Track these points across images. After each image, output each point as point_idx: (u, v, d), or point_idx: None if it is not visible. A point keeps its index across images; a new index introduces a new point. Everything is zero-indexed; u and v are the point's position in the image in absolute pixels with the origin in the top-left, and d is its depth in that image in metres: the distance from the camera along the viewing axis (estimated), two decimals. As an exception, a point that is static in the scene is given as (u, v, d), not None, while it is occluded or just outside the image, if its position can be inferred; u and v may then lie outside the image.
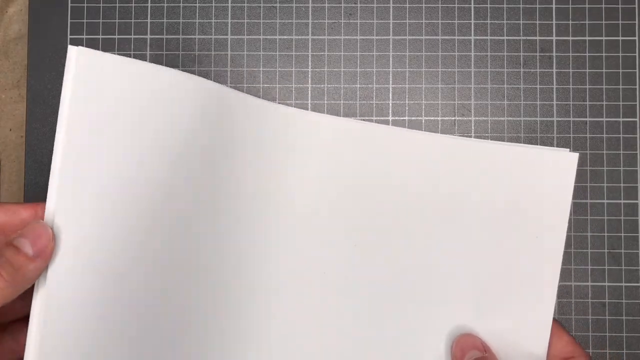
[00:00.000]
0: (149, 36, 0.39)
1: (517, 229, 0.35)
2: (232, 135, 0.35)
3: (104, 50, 0.39)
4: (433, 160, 0.36)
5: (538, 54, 0.39)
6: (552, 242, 0.35)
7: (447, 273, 0.36)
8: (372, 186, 0.36)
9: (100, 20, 0.39)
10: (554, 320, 0.35)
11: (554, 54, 0.39)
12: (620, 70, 0.39)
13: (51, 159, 0.39)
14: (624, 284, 0.38)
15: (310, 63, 0.39)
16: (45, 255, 0.29)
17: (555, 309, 0.38)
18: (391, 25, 0.39)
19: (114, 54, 0.36)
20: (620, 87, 0.39)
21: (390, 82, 0.39)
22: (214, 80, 0.37)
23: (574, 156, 0.34)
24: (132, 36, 0.39)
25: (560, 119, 0.39)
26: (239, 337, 0.35)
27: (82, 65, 0.31)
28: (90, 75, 0.31)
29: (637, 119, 0.39)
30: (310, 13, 0.39)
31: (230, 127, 0.35)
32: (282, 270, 0.36)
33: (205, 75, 0.39)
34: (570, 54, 0.39)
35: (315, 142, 0.36)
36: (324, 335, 0.36)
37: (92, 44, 0.39)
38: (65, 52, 0.39)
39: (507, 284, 0.35)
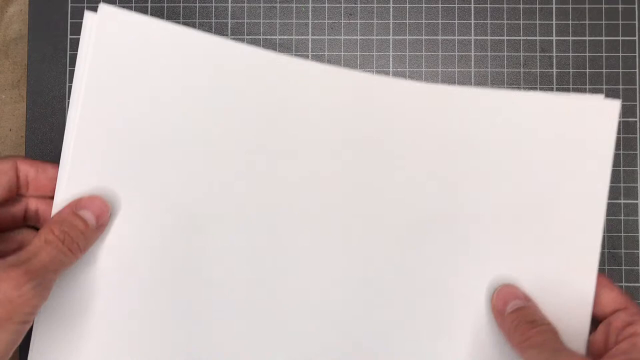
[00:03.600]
0: (149, 36, 0.39)
1: (557, 177, 0.35)
2: (246, 94, 0.36)
3: (104, 50, 0.39)
4: (462, 109, 0.36)
5: (538, 54, 0.39)
6: (595, 190, 0.35)
7: (484, 222, 0.35)
8: (403, 131, 0.36)
9: (100, 20, 0.39)
10: (601, 273, 0.35)
11: (554, 54, 0.39)
12: (620, 70, 0.39)
13: (51, 159, 0.39)
14: (624, 284, 0.38)
15: (310, 63, 0.39)
16: (104, 227, 0.34)
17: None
18: (391, 25, 0.39)
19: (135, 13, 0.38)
20: (621, 87, 0.39)
21: (390, 82, 0.39)
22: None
23: (616, 103, 0.35)
24: (132, 36, 0.39)
25: (560, 119, 0.39)
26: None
27: (104, 27, 0.35)
28: (112, 37, 0.35)
29: (637, 119, 0.39)
30: (310, 13, 0.39)
31: (243, 85, 0.36)
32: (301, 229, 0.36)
33: (205, 75, 0.39)
34: (570, 54, 0.39)
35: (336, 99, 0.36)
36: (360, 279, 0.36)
37: (92, 44, 0.39)
38: (66, 52, 0.39)
39: (548, 233, 0.35)
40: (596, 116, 0.35)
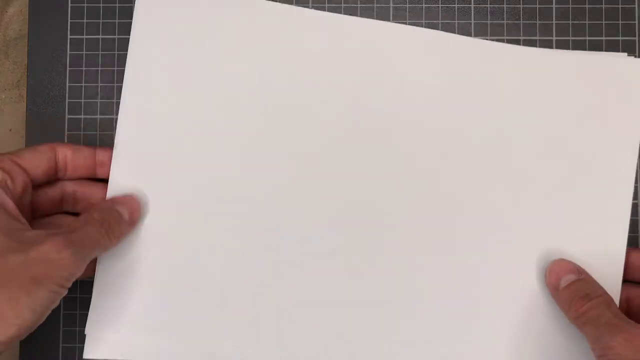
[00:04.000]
0: (149, 36, 0.39)
1: (587, 141, 0.36)
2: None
3: (104, 50, 0.39)
4: (494, 66, 0.37)
5: (538, 54, 0.39)
6: (624, 157, 0.36)
7: (522, 192, 0.36)
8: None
9: (100, 20, 0.39)
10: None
11: (554, 54, 0.39)
12: (620, 70, 0.39)
13: (51, 159, 0.39)
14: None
15: (310, 63, 0.39)
16: (135, 224, 0.36)
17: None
18: (391, 25, 0.39)
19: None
20: (620, 87, 0.39)
21: (390, 82, 0.39)
22: (214, 80, 0.38)
23: None
24: (132, 36, 0.39)
25: (560, 119, 0.39)
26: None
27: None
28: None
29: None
30: (310, 13, 0.39)
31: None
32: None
33: (205, 75, 0.39)
34: (570, 54, 0.39)
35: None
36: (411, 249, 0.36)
37: (92, 44, 0.39)
38: (66, 52, 0.39)
39: (582, 200, 0.36)
40: (627, 75, 0.37)
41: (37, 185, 0.35)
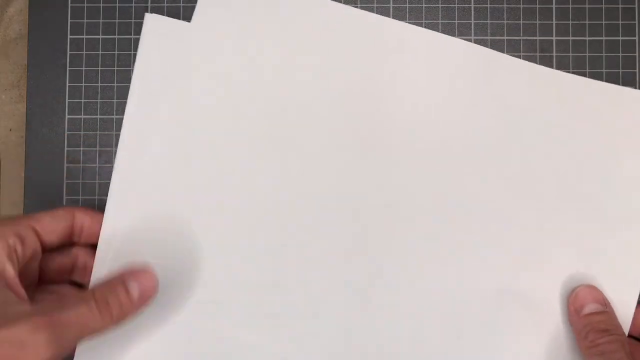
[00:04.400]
0: (149, 36, 0.39)
1: (606, 173, 0.36)
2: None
3: (104, 50, 0.39)
4: (518, 89, 0.37)
5: (538, 54, 0.39)
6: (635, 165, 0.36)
7: (545, 207, 0.36)
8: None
9: (101, 20, 0.39)
10: None
11: (554, 54, 0.39)
12: (620, 70, 0.39)
13: (51, 158, 0.39)
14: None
15: (310, 63, 0.39)
16: (148, 302, 0.32)
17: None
18: (391, 25, 0.39)
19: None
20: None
21: (390, 82, 0.39)
22: (214, 80, 0.38)
23: None
24: (132, 36, 0.39)
25: (560, 119, 0.39)
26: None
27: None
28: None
29: (637, 119, 0.39)
30: (310, 13, 0.39)
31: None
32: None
33: (205, 75, 0.39)
34: (570, 54, 0.39)
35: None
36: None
37: (92, 44, 0.39)
38: (66, 52, 0.39)
39: (605, 220, 0.36)
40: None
41: (50, 249, 0.34)
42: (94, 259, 0.35)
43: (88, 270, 0.35)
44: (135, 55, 0.39)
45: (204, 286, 0.36)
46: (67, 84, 0.39)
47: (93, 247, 0.36)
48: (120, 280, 0.31)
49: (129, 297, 0.31)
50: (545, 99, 0.37)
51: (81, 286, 0.36)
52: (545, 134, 0.37)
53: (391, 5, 0.39)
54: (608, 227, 0.36)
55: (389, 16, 0.39)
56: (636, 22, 0.39)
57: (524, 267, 0.36)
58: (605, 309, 0.34)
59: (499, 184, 0.36)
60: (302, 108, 0.37)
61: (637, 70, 0.39)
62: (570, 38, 0.39)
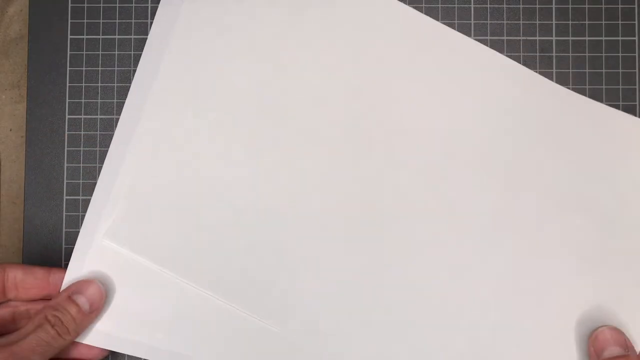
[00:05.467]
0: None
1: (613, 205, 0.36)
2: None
3: (104, 50, 0.39)
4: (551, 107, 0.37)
5: (538, 54, 0.39)
6: None
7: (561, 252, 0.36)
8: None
9: (101, 20, 0.39)
10: None
11: (554, 54, 0.39)
12: (620, 70, 0.39)
13: (50, 159, 0.39)
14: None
15: (310, 63, 0.39)
16: (98, 312, 0.34)
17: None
18: (391, 25, 0.39)
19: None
20: (620, 87, 0.39)
21: (390, 82, 0.39)
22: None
23: None
24: (132, 36, 0.39)
25: (560, 119, 0.39)
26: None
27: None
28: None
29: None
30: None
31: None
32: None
33: (206, 75, 0.39)
34: (570, 54, 0.39)
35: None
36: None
37: (92, 44, 0.39)
38: (66, 52, 0.39)
39: (623, 248, 0.36)
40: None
41: None
42: (35, 305, 0.34)
43: (32, 315, 0.34)
44: (134, 55, 0.39)
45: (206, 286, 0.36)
46: (67, 84, 0.39)
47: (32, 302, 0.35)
48: (67, 298, 0.33)
49: (80, 311, 0.33)
50: (544, 105, 0.37)
51: None
52: (545, 137, 0.37)
53: (391, 5, 0.39)
54: (611, 233, 0.36)
55: (389, 16, 0.39)
56: (636, 22, 0.39)
57: (524, 268, 0.36)
58: (627, 353, 0.33)
59: (501, 186, 0.36)
60: (308, 106, 0.37)
61: (637, 71, 0.39)
62: (570, 38, 0.39)
